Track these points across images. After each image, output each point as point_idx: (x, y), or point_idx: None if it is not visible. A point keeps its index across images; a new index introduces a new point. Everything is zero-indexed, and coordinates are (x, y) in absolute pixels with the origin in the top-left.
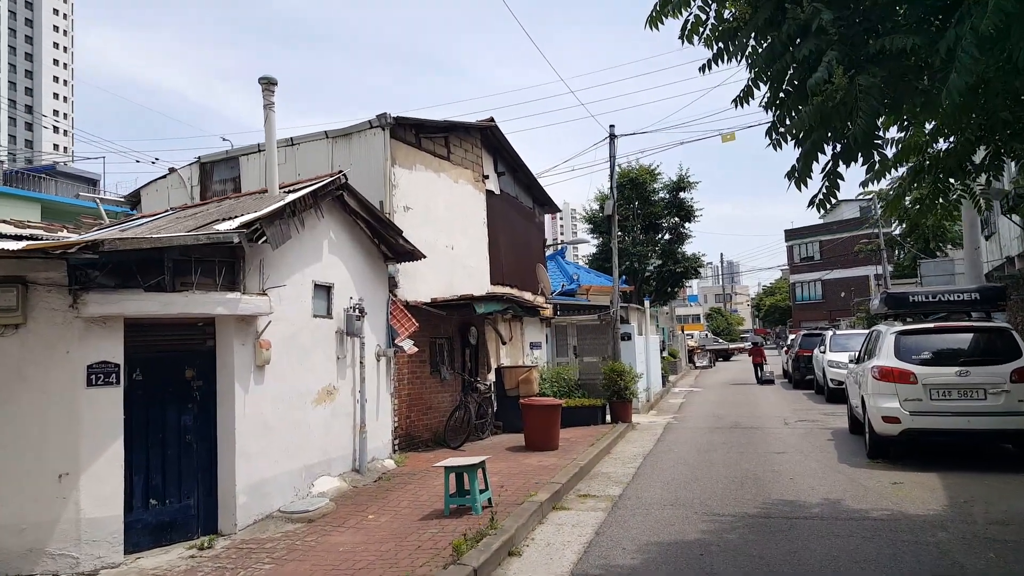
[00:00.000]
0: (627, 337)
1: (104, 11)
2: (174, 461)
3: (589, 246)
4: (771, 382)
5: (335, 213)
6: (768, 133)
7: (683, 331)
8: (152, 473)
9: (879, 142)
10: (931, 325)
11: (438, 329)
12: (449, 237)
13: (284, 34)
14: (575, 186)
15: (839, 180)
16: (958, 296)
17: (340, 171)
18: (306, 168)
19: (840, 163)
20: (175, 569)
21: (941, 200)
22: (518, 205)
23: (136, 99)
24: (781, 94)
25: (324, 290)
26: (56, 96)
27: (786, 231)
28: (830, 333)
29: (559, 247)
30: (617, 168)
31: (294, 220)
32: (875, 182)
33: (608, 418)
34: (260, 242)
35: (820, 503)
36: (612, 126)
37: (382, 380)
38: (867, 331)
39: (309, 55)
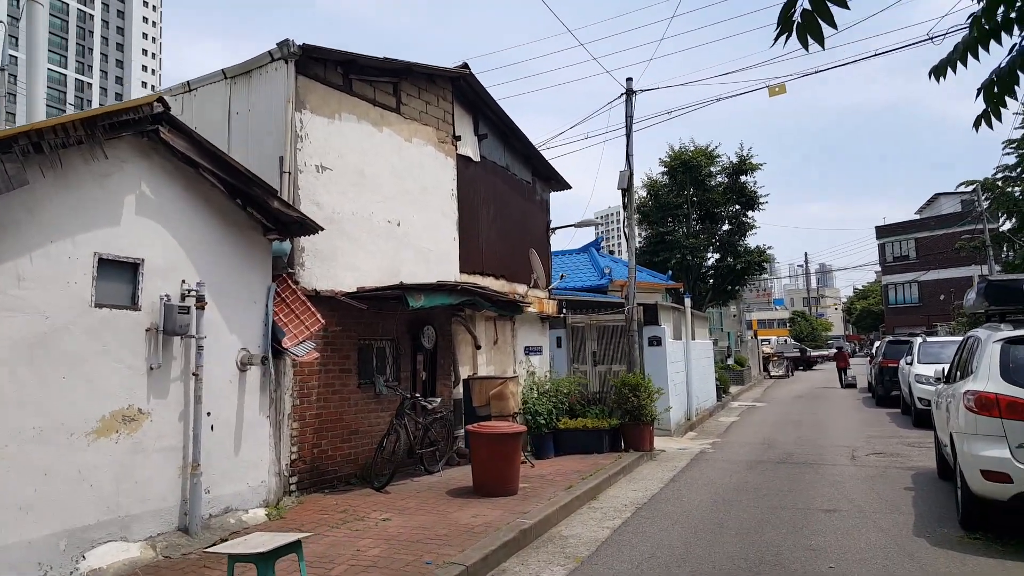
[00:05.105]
0: (656, 342)
1: (194, 17)
2: None
3: (637, 239)
4: (853, 385)
5: (154, 158)
6: None
7: (756, 336)
8: None
9: None
10: None
11: (373, 328)
12: (394, 210)
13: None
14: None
15: None
16: None
17: (159, 96)
18: (203, 119)
19: None
20: None
21: None
22: (508, 177)
23: None
24: None
25: (125, 268)
26: (144, 85)
27: (877, 228)
28: (918, 340)
29: (597, 236)
30: (668, 149)
31: (39, 159)
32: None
33: (623, 444)
34: None
35: None
36: (629, 79)
37: (250, 398)
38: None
39: None
